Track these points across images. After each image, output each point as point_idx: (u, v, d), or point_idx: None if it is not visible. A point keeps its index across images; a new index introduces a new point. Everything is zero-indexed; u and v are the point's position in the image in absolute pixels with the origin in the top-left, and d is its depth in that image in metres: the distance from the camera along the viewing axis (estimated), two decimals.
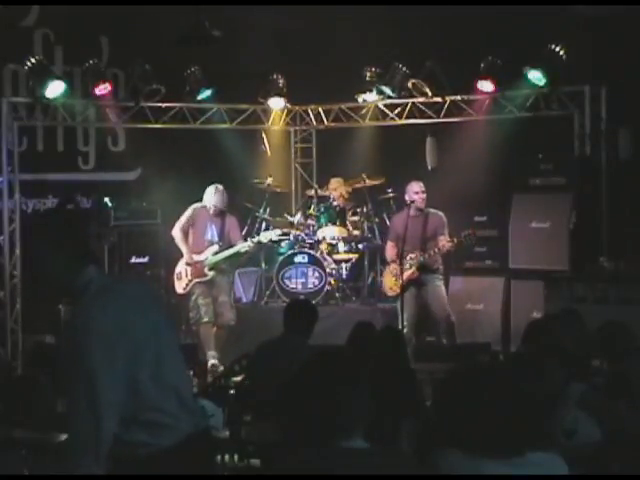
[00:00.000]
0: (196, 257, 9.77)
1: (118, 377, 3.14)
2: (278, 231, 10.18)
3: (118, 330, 3.17)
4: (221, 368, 9.47)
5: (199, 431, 3.37)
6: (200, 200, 9.87)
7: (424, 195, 9.54)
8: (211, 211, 9.79)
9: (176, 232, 9.82)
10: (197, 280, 9.78)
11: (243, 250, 9.91)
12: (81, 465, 3.08)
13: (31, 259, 3.50)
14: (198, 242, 9.82)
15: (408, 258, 9.32)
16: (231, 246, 9.84)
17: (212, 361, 9.51)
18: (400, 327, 9.02)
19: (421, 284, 9.46)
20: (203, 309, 9.70)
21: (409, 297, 9.31)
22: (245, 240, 10.04)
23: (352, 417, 2.82)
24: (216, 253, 9.78)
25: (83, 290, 3.28)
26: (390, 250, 9.71)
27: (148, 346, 3.25)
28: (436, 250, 9.36)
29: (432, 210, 9.61)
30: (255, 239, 9.95)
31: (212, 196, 9.75)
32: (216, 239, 9.82)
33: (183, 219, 9.83)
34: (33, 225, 3.45)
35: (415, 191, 9.56)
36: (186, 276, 9.82)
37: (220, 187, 9.80)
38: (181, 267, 9.88)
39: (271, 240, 10.14)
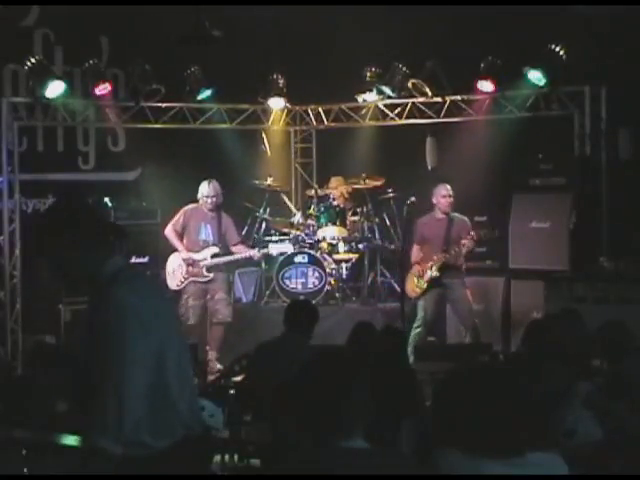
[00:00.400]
0: (194, 255, 9.77)
1: (149, 362, 3.16)
2: (290, 246, 10.18)
3: (152, 314, 3.20)
4: (218, 366, 9.49)
5: (197, 433, 3.36)
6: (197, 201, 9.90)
7: (451, 199, 9.54)
8: (206, 207, 9.75)
9: (169, 231, 9.83)
10: (193, 279, 9.78)
11: (246, 257, 9.93)
12: (100, 444, 3.09)
13: (30, 259, 3.51)
14: (192, 242, 9.81)
15: (432, 259, 9.37)
16: (230, 252, 9.84)
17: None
18: (418, 325, 9.14)
19: (444, 286, 9.47)
20: (191, 310, 9.68)
21: (430, 297, 9.37)
22: (242, 240, 10.07)
23: (352, 417, 2.82)
24: (215, 255, 9.77)
25: (111, 279, 3.28)
26: (415, 253, 9.70)
27: (173, 338, 3.28)
28: (457, 249, 9.38)
29: (457, 215, 9.62)
30: (265, 250, 9.95)
31: (206, 188, 9.73)
32: (211, 239, 9.80)
33: (175, 219, 9.84)
34: (50, 220, 3.41)
35: (442, 194, 9.56)
36: (181, 273, 9.80)
37: (213, 180, 9.79)
38: (175, 263, 9.84)
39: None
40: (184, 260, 9.77)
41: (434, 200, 9.62)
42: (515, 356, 6.30)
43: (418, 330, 9.41)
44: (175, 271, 9.83)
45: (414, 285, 9.58)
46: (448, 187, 9.61)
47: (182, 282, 9.78)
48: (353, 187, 10.88)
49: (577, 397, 4.56)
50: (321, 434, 2.82)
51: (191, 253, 9.77)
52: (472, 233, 9.40)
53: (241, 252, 9.88)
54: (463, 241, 9.40)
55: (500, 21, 9.70)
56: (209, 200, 9.73)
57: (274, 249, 10.02)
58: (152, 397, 3.19)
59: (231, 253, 9.90)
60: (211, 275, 9.76)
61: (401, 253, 9.47)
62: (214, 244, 9.79)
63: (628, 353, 4.89)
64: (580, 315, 6.11)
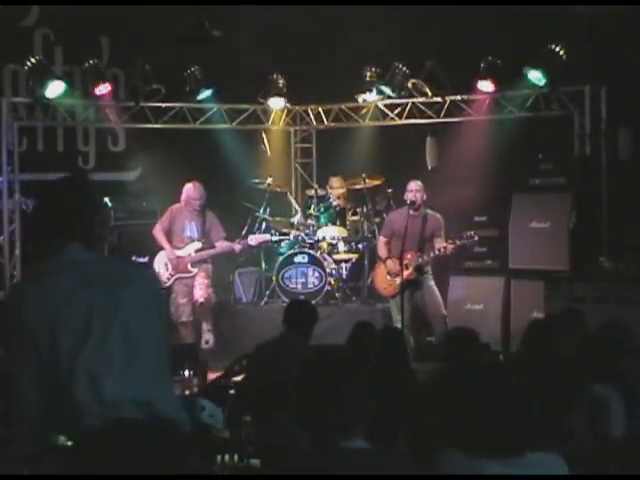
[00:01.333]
0: (178, 252, 9.85)
1: (28, 354, 3.03)
2: (268, 235, 10.28)
3: (40, 301, 3.06)
4: (210, 338, 9.58)
5: (114, 423, 3.06)
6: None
7: (418, 194, 9.43)
8: (191, 207, 9.83)
9: (157, 231, 9.90)
10: (179, 276, 9.84)
11: (228, 250, 10.03)
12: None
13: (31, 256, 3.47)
14: (178, 239, 9.89)
15: (405, 258, 9.26)
16: (214, 247, 9.93)
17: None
18: (396, 326, 9.04)
19: (417, 285, 9.41)
20: (181, 308, 9.76)
21: (406, 297, 9.25)
22: (225, 237, 10.13)
23: (352, 417, 2.82)
24: (199, 250, 9.86)
25: (53, 268, 3.16)
26: (382, 246, 9.62)
27: (73, 322, 3.05)
28: (437, 252, 9.31)
29: (430, 211, 9.53)
30: (245, 241, 10.09)
31: (191, 191, 9.81)
32: (196, 236, 9.89)
33: (162, 219, 9.92)
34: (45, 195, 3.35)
35: (409, 189, 9.50)
36: (167, 270, 9.85)
37: (196, 183, 9.86)
38: (160, 262, 9.91)
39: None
40: (169, 259, 9.83)
41: (405, 195, 9.54)
42: (515, 356, 6.30)
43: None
44: (161, 269, 9.88)
45: (386, 283, 9.50)
46: (418, 182, 9.47)
47: (168, 279, 9.83)
48: (353, 187, 10.89)
49: (577, 397, 4.56)
50: (321, 434, 2.82)
51: (176, 250, 9.84)
52: (458, 243, 9.29)
53: (223, 247, 9.97)
54: (441, 245, 9.26)
55: (500, 21, 9.69)
56: (195, 203, 9.83)
57: (253, 240, 10.07)
58: (46, 389, 3.05)
59: (214, 248, 10.00)
60: (195, 270, 9.85)
61: (401, 253, 9.43)
62: (198, 240, 9.87)
63: (628, 353, 4.88)
64: (582, 314, 6.12)
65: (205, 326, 9.89)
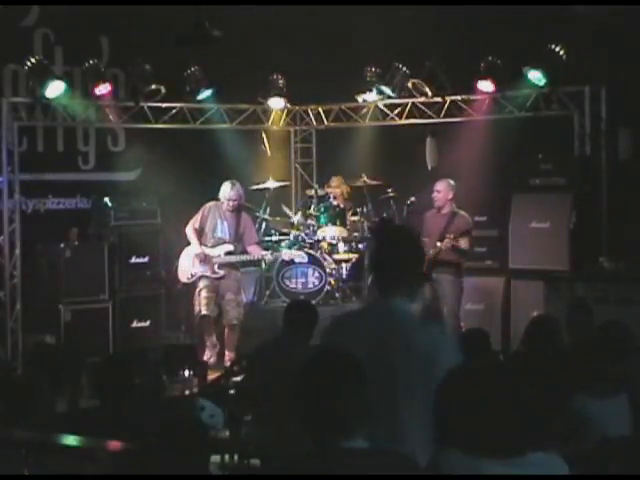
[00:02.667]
0: (207, 250, 9.73)
1: None
2: (304, 255, 10.14)
3: None
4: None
5: None
6: (203, 200, 9.95)
7: (438, 194, 9.53)
8: (225, 206, 9.74)
9: (188, 230, 9.81)
10: (204, 274, 9.73)
11: (259, 258, 9.93)
12: None
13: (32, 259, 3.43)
14: (207, 238, 9.79)
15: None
16: (246, 251, 9.78)
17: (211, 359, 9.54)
18: None
19: (433, 282, 9.39)
20: (204, 301, 9.63)
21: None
22: (260, 243, 10.04)
23: (353, 417, 2.82)
24: (229, 253, 9.73)
25: None
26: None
27: None
28: (438, 244, 9.31)
29: (461, 212, 9.58)
30: (277, 254, 9.99)
31: (228, 191, 9.71)
32: (227, 237, 9.76)
33: (195, 217, 9.83)
34: None
35: (433, 189, 9.59)
36: (193, 266, 9.75)
37: (236, 182, 9.79)
38: (187, 257, 9.80)
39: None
40: (196, 255, 9.73)
41: None
42: (515, 356, 6.30)
43: None
44: (186, 264, 9.80)
45: None
46: (445, 183, 9.57)
47: (192, 275, 9.74)
48: (353, 187, 10.89)
49: (577, 397, 4.55)
50: (321, 434, 2.81)
51: (205, 248, 9.74)
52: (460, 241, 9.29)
53: (254, 253, 9.85)
54: (446, 241, 9.30)
55: (500, 21, 9.70)
56: (230, 203, 9.73)
57: (286, 255, 10.01)
58: None
59: (246, 253, 9.86)
60: (222, 272, 9.71)
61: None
62: (229, 242, 9.76)
63: (628, 353, 4.88)
64: (591, 310, 6.12)
65: (229, 355, 9.62)
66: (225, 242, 9.75)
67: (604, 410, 4.47)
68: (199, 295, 9.67)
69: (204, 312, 9.60)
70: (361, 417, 2.84)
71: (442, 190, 9.52)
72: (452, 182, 9.60)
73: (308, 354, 2.98)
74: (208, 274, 9.71)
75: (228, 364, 9.40)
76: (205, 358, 9.43)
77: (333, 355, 2.97)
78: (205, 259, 9.71)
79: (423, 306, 9.42)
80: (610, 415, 4.47)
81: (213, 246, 9.75)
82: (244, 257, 9.81)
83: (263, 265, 10.67)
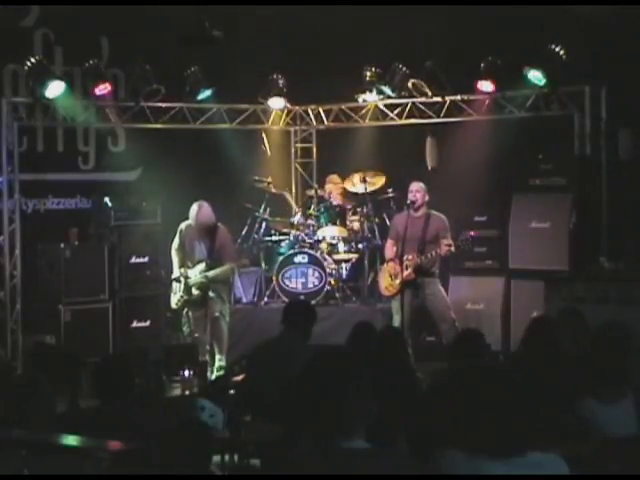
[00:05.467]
0: (188, 272, 9.56)
1: None
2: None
3: None
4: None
5: None
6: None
7: (418, 194, 9.48)
8: (197, 229, 9.53)
9: (172, 251, 9.68)
10: (186, 297, 9.58)
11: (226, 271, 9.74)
12: None
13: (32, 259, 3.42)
14: (190, 259, 9.63)
15: (405, 259, 9.26)
16: (218, 265, 9.57)
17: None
18: (396, 326, 9.04)
19: (417, 286, 9.42)
20: (194, 323, 9.54)
21: (405, 297, 9.24)
22: (234, 258, 9.95)
23: (353, 418, 2.81)
24: (203, 271, 9.52)
25: None
26: (389, 249, 9.68)
27: None
28: (433, 254, 9.31)
29: (434, 212, 9.55)
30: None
31: (194, 214, 9.47)
32: (204, 256, 9.57)
33: (175, 239, 9.66)
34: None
35: (410, 190, 9.55)
36: (179, 291, 9.62)
37: (204, 203, 9.50)
38: (175, 284, 9.68)
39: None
40: (174, 279, 9.59)
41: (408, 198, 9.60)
42: (515, 356, 6.30)
43: None
44: (175, 289, 9.66)
45: (387, 283, 9.54)
46: (420, 184, 9.52)
47: (179, 301, 9.59)
48: (352, 190, 10.90)
49: (577, 397, 4.56)
50: (322, 435, 2.81)
51: (185, 269, 9.57)
52: (452, 248, 9.26)
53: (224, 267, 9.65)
54: (441, 248, 9.30)
55: (500, 21, 9.69)
56: (201, 225, 9.49)
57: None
58: None
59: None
60: (197, 293, 9.52)
61: (401, 253, 9.43)
62: (205, 260, 9.53)
63: (628, 353, 4.88)
64: (581, 313, 6.12)
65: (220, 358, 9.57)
66: (202, 261, 9.56)
67: (612, 414, 4.47)
68: (187, 315, 9.59)
69: (197, 334, 9.52)
70: (362, 417, 2.83)
71: (421, 190, 9.49)
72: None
73: (307, 354, 2.98)
74: (190, 298, 9.55)
75: (220, 364, 9.47)
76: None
77: (333, 355, 2.97)
78: (185, 281, 9.53)
79: (414, 313, 9.43)
80: (618, 419, 4.47)
81: (194, 266, 9.59)
82: (216, 272, 9.53)
83: (263, 265, 10.68)
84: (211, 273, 9.52)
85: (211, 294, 9.51)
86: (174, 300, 9.66)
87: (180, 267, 9.59)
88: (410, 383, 5.76)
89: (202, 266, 9.53)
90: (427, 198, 9.51)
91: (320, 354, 2.96)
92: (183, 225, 9.65)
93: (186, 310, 9.63)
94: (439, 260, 9.48)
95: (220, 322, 9.59)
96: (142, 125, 10.44)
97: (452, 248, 9.23)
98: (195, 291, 9.56)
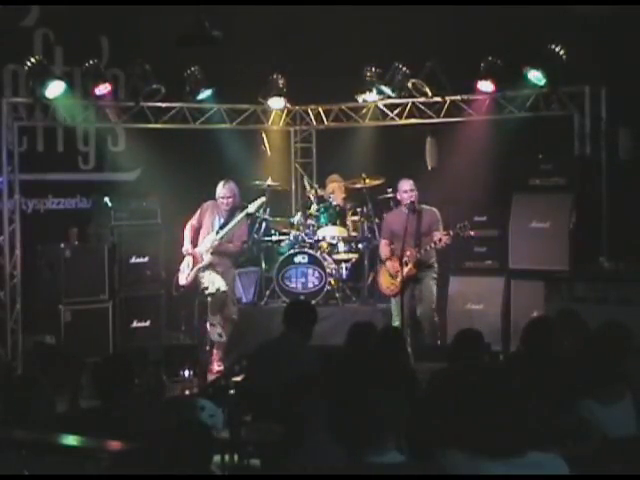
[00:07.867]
0: (196, 249, 9.90)
1: None
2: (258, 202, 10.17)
3: None
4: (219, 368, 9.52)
5: None
6: (203, 199, 10.09)
7: (413, 193, 9.57)
8: (221, 205, 9.94)
9: (186, 229, 10.00)
10: (198, 266, 9.86)
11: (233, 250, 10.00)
12: None
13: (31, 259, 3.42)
14: (207, 234, 9.96)
15: (404, 257, 9.31)
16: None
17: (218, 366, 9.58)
18: (396, 326, 9.06)
19: (417, 281, 9.49)
20: (217, 277, 9.79)
21: (405, 296, 9.29)
22: (245, 242, 10.10)
23: (385, 428, 2.78)
24: (214, 244, 9.88)
25: None
26: (384, 248, 9.73)
27: None
28: (432, 245, 9.40)
29: (425, 207, 9.65)
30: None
31: (221, 189, 9.94)
32: (217, 229, 9.92)
33: (194, 216, 10.03)
34: None
35: (404, 190, 9.63)
36: (188, 266, 9.91)
37: (229, 180, 10.01)
38: (185, 262, 9.98)
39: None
40: (187, 254, 9.92)
41: (398, 196, 9.72)
42: (515, 356, 6.30)
43: None
44: (184, 267, 9.97)
45: (389, 282, 9.59)
46: (410, 182, 9.65)
47: (189, 274, 9.89)
48: (353, 187, 10.90)
49: (576, 397, 4.55)
50: (353, 446, 2.77)
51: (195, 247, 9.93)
52: (451, 232, 9.33)
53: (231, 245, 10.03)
54: (437, 237, 9.36)
55: (500, 21, 9.69)
56: (224, 201, 9.94)
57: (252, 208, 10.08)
58: None
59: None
60: (208, 257, 9.82)
61: (401, 252, 9.44)
62: (217, 231, 9.91)
63: (628, 353, 4.88)
64: (579, 315, 6.12)
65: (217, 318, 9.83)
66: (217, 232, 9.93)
67: (611, 415, 4.47)
68: (210, 277, 9.78)
69: (223, 288, 9.74)
70: (394, 429, 2.80)
71: (414, 188, 9.60)
72: None
73: (309, 354, 2.98)
74: (199, 264, 9.85)
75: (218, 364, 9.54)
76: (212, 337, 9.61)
77: (366, 364, 2.94)
78: (195, 255, 9.89)
79: (411, 310, 9.47)
80: (618, 419, 4.47)
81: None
82: (223, 247, 9.91)
83: (263, 265, 10.69)
84: (220, 247, 9.79)
85: (223, 288, 9.72)
86: (184, 275, 9.86)
87: (190, 243, 9.92)
88: (410, 383, 5.76)
89: (212, 237, 9.86)
90: (417, 193, 9.63)
91: (348, 360, 2.91)
92: (208, 202, 10.06)
93: (205, 273, 9.79)
94: (436, 252, 9.57)
95: (229, 327, 9.81)
96: (142, 125, 10.44)
97: (447, 239, 9.30)
98: (205, 256, 9.76)
